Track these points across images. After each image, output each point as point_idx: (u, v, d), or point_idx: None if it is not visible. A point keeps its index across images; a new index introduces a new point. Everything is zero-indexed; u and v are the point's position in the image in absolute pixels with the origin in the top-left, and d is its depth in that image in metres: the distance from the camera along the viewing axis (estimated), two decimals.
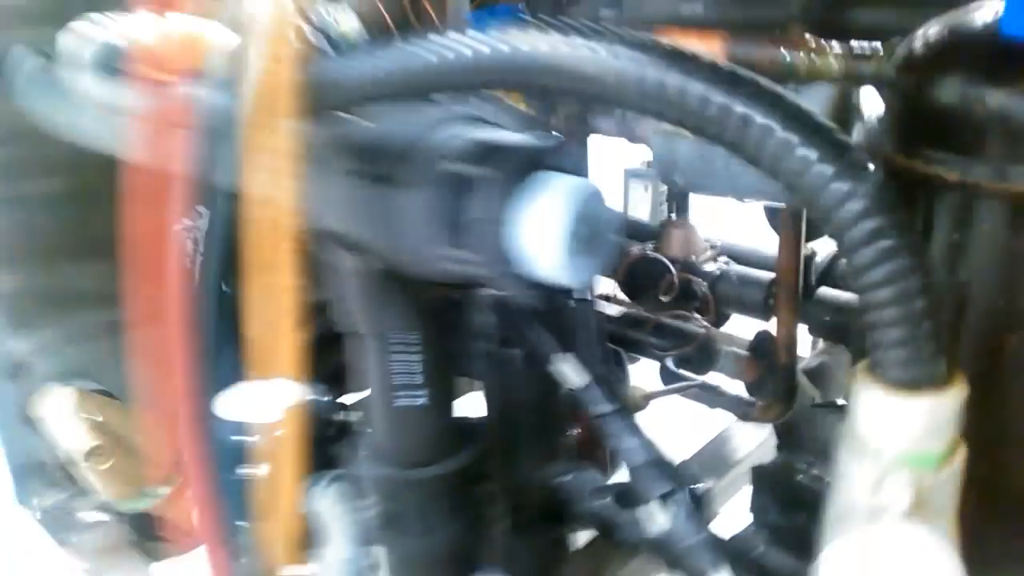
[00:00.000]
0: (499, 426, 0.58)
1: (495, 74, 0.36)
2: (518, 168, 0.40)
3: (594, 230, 0.40)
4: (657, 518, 0.51)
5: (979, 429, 0.35)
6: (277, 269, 0.43)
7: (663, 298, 1.00)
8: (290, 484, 0.51)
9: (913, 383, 0.32)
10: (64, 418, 0.84)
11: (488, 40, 0.35)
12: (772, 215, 0.92)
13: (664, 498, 0.51)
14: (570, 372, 0.53)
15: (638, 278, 1.05)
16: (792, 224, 0.85)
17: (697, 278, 1.05)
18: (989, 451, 0.36)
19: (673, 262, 1.04)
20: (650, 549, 0.57)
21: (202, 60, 0.59)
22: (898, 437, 0.33)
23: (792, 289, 0.92)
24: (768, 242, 1.01)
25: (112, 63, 0.58)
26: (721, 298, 1.05)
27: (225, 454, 0.64)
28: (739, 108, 0.32)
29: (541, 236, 0.39)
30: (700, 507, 0.50)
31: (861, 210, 0.31)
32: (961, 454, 0.34)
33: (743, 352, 0.98)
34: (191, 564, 1.01)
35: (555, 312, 0.53)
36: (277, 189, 0.41)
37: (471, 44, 0.34)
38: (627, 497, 0.60)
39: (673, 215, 1.11)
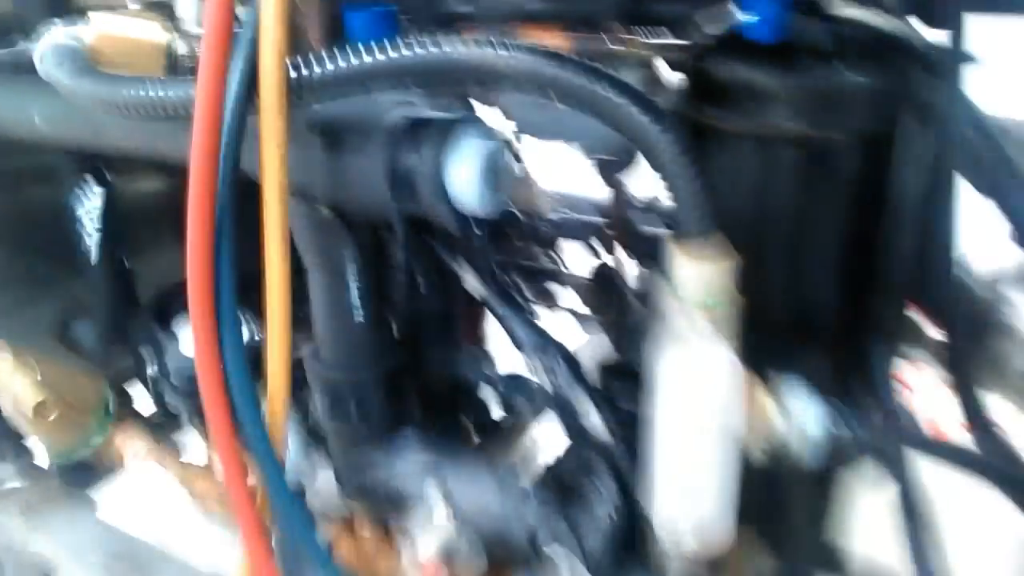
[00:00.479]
0: (417, 330, 0.76)
1: (429, 71, 0.53)
2: (444, 133, 0.58)
3: (499, 174, 0.59)
4: (543, 377, 0.71)
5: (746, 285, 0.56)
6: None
7: (518, 243, 1.21)
8: None
9: (702, 255, 0.53)
10: (6, 377, 0.93)
11: (427, 44, 0.53)
12: (603, 168, 1.14)
13: (549, 369, 0.71)
14: (473, 283, 0.72)
15: (494, 228, 1.25)
16: (618, 164, 1.08)
17: (543, 225, 1.26)
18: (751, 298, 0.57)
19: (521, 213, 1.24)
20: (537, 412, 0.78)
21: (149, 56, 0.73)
22: (697, 288, 0.54)
23: (622, 228, 1.16)
24: (594, 191, 1.25)
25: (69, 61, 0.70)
26: (563, 241, 1.27)
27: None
28: (592, 85, 0.51)
29: (464, 179, 0.58)
30: (574, 369, 0.70)
31: (667, 134, 0.51)
32: (736, 304, 0.56)
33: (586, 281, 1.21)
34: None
35: (465, 239, 0.72)
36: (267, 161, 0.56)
37: (421, 47, 0.52)
38: (518, 379, 0.81)
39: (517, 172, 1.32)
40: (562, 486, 0.74)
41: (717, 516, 0.59)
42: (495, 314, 0.73)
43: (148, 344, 0.93)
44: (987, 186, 0.66)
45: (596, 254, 1.25)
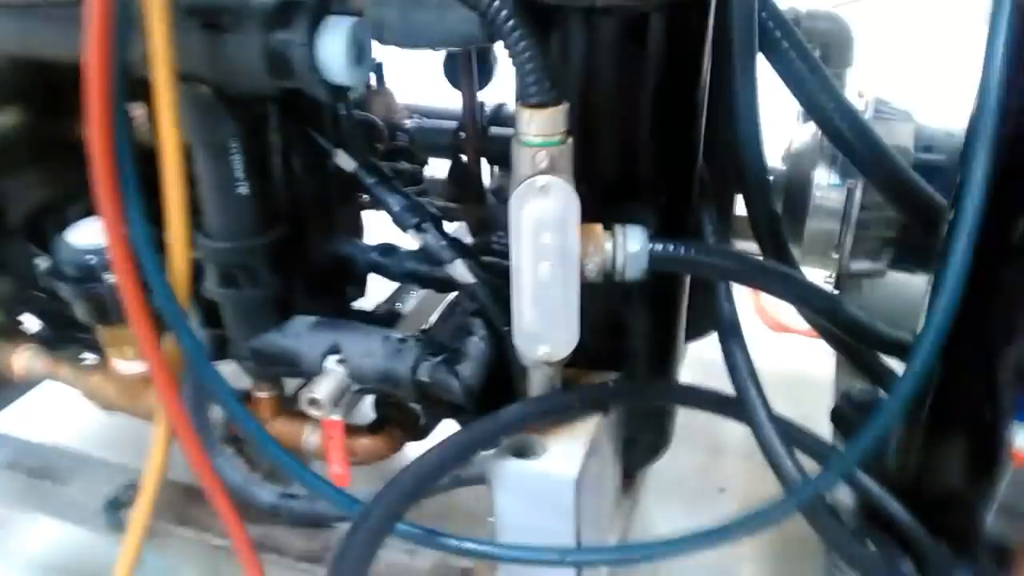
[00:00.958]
0: (296, 206, 0.84)
1: None
2: (313, 12, 0.67)
3: (362, 48, 0.68)
4: (416, 240, 0.82)
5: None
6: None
7: (379, 146, 1.30)
8: None
9: (539, 102, 0.65)
10: None
11: None
12: (450, 72, 1.23)
13: (417, 228, 0.81)
14: (344, 159, 0.82)
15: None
16: (468, 74, 1.19)
17: (401, 132, 1.36)
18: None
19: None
20: (413, 276, 0.89)
21: None
22: (536, 130, 0.66)
23: (473, 129, 1.27)
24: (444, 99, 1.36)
25: None
26: (420, 146, 1.37)
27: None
28: None
29: (333, 52, 0.67)
30: (440, 227, 0.82)
31: (506, 12, 0.62)
32: (568, 144, 0.68)
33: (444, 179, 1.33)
34: None
35: (334, 121, 0.81)
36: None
37: None
38: (390, 248, 0.91)
39: (374, 84, 1.40)
40: (439, 336, 0.86)
41: (565, 328, 0.72)
42: (365, 186, 0.83)
43: (29, 256, 0.97)
44: (783, 70, 0.80)
45: (453, 157, 1.36)
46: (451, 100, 1.33)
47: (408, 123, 1.39)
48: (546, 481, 0.75)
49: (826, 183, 1.15)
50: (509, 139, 1.33)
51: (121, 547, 0.88)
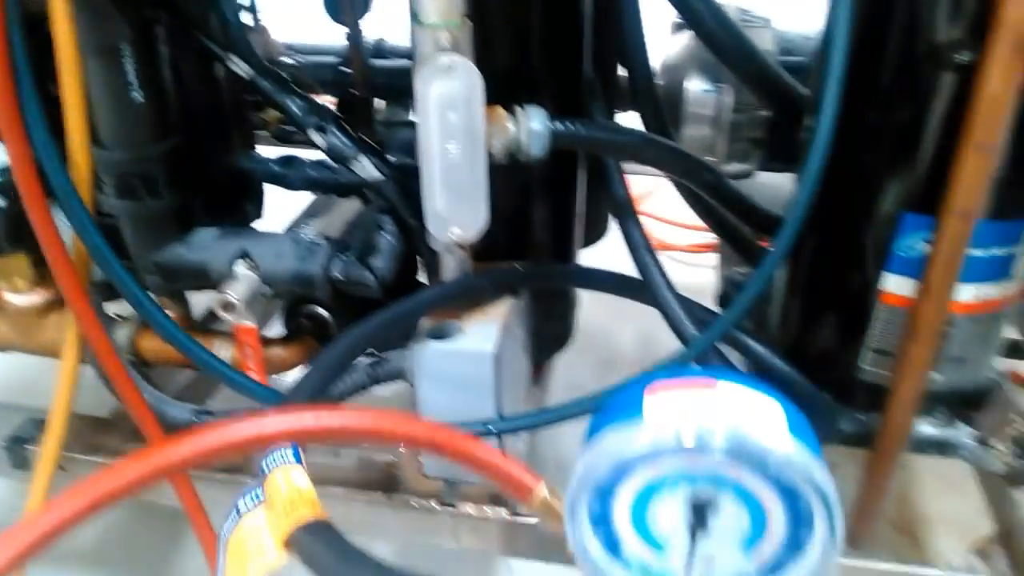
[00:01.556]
0: (190, 116, 0.84)
1: None
2: None
3: None
4: (319, 140, 0.83)
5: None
6: None
7: None
8: None
9: None
10: None
11: None
12: (331, 5, 1.23)
13: (319, 128, 0.82)
14: (238, 64, 0.82)
15: None
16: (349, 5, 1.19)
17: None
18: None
19: None
20: (314, 184, 0.90)
21: None
22: (438, 10, 0.68)
23: (360, 61, 1.27)
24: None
25: None
26: (303, 83, 1.36)
27: None
28: None
29: None
30: (342, 127, 0.83)
31: None
32: (467, 25, 0.71)
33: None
34: None
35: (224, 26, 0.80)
36: None
37: None
38: (289, 159, 0.91)
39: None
40: (349, 236, 0.87)
41: (475, 208, 0.75)
42: (262, 90, 0.83)
43: None
44: None
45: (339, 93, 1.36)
46: (324, 36, 1.34)
47: (288, 60, 1.38)
48: (466, 358, 0.78)
49: (698, 90, 1.22)
50: (395, 71, 1.35)
51: (33, 482, 0.86)
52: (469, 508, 0.83)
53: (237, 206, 0.94)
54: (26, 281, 0.90)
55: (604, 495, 0.34)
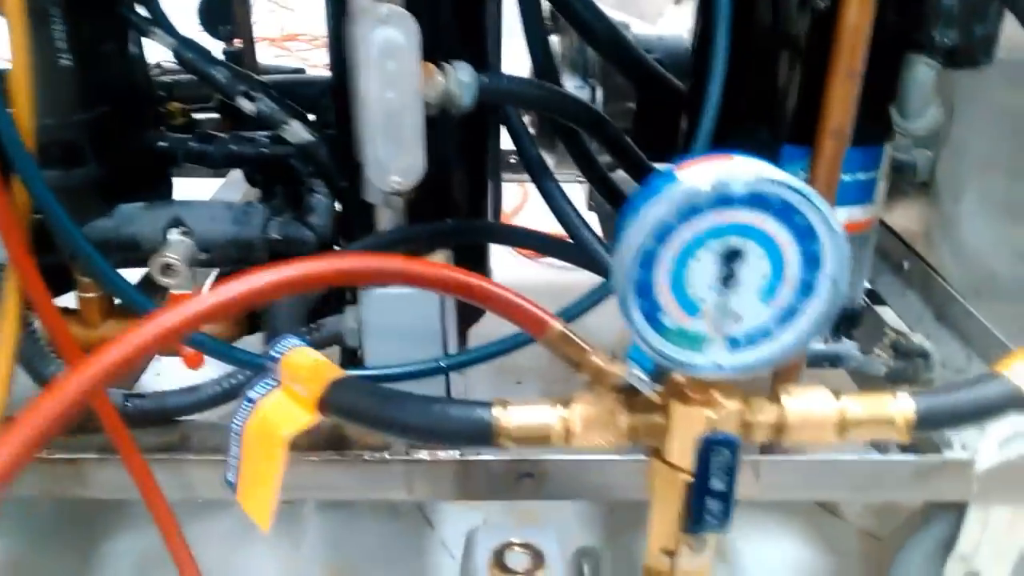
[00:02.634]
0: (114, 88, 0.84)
1: None
2: None
3: None
4: (247, 107, 0.85)
5: None
6: None
7: None
8: None
9: None
10: None
11: None
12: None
13: (247, 95, 0.85)
14: (162, 36, 0.83)
15: None
16: None
17: None
18: None
19: None
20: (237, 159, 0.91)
21: None
22: None
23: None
24: None
25: None
26: None
27: None
28: None
29: None
30: (269, 91, 0.85)
31: None
32: None
33: None
34: None
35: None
36: None
37: None
38: (208, 135, 0.92)
39: None
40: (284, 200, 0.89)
41: (412, 155, 0.80)
42: (186, 61, 0.85)
43: None
44: None
45: None
46: None
47: None
48: (413, 301, 0.82)
49: (571, 86, 1.34)
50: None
51: None
52: (423, 454, 0.86)
53: (156, 187, 0.93)
54: None
55: (647, 263, 0.40)
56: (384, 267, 0.45)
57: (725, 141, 0.96)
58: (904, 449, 0.92)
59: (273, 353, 0.54)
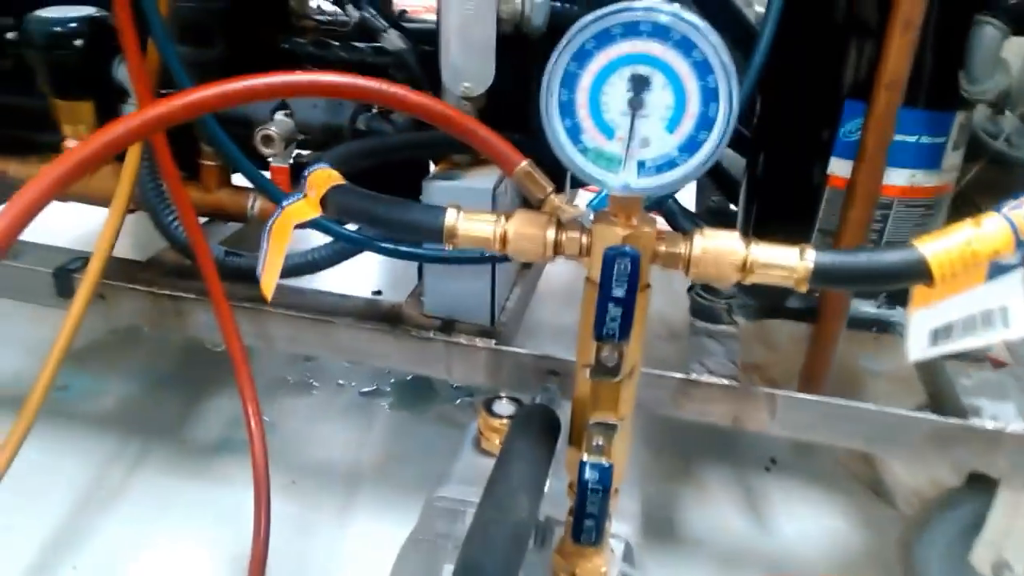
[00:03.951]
0: None
1: None
2: None
3: None
4: (353, 14, 0.97)
5: None
6: None
7: None
8: None
9: None
10: None
11: None
12: None
13: (355, 3, 0.97)
14: None
15: None
16: None
17: None
18: None
19: None
20: (348, 65, 1.04)
21: None
22: None
23: None
24: None
25: None
26: None
27: None
28: None
29: None
30: (376, 8, 0.98)
31: None
32: None
33: None
34: None
35: None
36: None
37: None
38: (322, 42, 1.06)
39: None
40: None
41: (483, 63, 0.89)
42: None
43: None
44: None
45: None
46: None
47: None
48: (469, 193, 0.91)
49: None
50: None
51: (72, 304, 0.98)
52: (461, 339, 0.95)
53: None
54: (89, 128, 1.03)
55: (570, 81, 0.47)
56: (361, 85, 0.55)
57: (789, 97, 1.00)
58: (925, 409, 0.92)
59: (306, 173, 0.65)
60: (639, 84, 0.47)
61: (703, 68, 0.46)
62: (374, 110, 0.96)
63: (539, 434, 0.59)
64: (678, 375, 0.90)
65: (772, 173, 1.05)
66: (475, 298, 0.95)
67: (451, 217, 0.54)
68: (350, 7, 0.96)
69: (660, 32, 0.45)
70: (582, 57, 0.47)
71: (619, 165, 0.49)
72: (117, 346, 1.43)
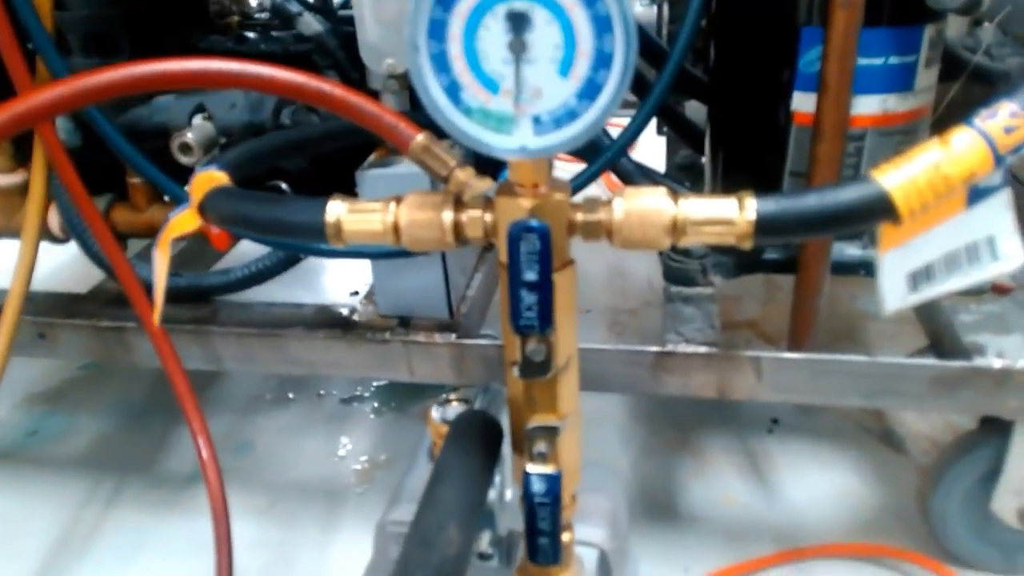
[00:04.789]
0: None
1: None
2: None
3: None
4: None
5: None
6: None
7: None
8: None
9: None
10: None
11: None
12: None
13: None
14: None
15: None
16: None
17: None
18: None
19: None
20: (268, 57, 0.97)
21: None
22: None
23: None
24: None
25: None
26: None
27: None
28: None
29: None
30: None
31: None
32: None
33: None
34: None
35: None
36: None
37: None
38: (242, 37, 0.99)
39: None
40: None
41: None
42: None
43: None
44: None
45: None
46: None
47: None
48: (408, 178, 0.84)
49: (639, 4, 1.32)
50: None
51: None
52: (419, 336, 0.88)
53: None
54: (7, 159, 0.97)
55: (437, 30, 0.40)
56: (226, 70, 0.48)
57: (742, 32, 0.92)
58: (926, 353, 0.85)
59: (191, 177, 0.58)
60: (518, 23, 0.39)
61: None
62: (296, 106, 0.89)
63: (476, 447, 0.52)
64: (653, 348, 0.83)
65: (734, 118, 0.97)
66: (429, 291, 0.88)
67: (332, 212, 0.47)
68: None
69: None
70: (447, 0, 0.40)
71: (511, 124, 0.42)
72: (87, 382, 1.38)
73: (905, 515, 0.98)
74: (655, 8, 1.29)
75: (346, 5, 1.44)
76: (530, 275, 0.43)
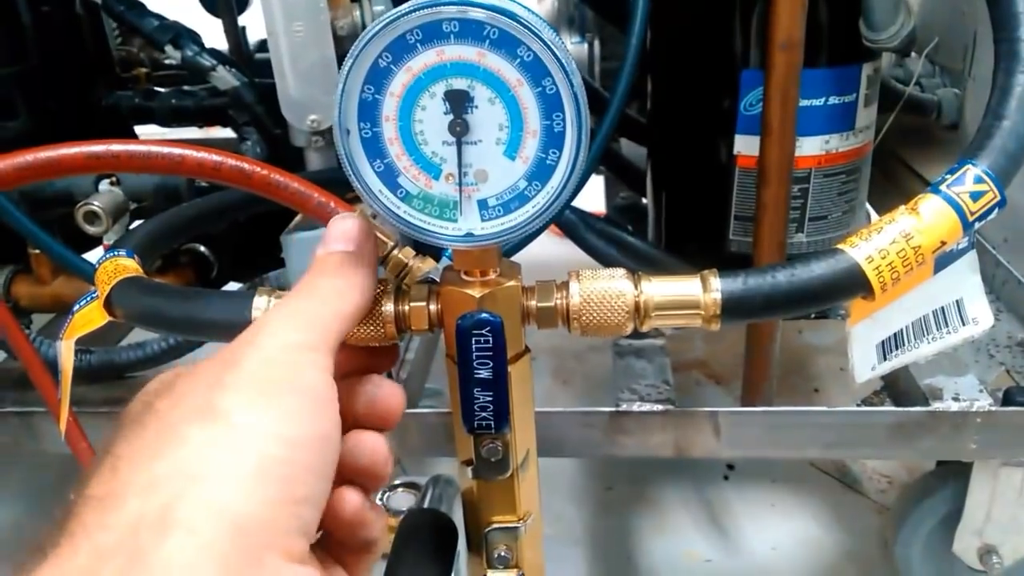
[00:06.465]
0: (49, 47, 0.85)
1: None
2: None
3: None
4: (174, 55, 0.84)
5: None
6: None
7: None
8: None
9: None
10: None
11: None
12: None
13: (174, 43, 0.84)
14: None
15: None
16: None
17: None
18: None
19: None
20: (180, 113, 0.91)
21: None
22: None
23: (240, 56, 1.30)
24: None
25: None
26: None
27: None
28: None
29: None
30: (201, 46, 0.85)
31: None
32: None
33: None
34: None
35: None
36: None
37: None
38: (150, 91, 0.92)
39: None
40: None
41: (328, 91, 0.77)
42: (116, 14, 0.85)
43: None
44: None
45: None
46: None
47: None
48: None
49: (570, 42, 1.30)
50: None
51: None
52: None
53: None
54: None
55: (369, 111, 0.35)
56: (131, 152, 0.43)
57: (681, 75, 0.90)
58: (882, 395, 0.83)
59: (96, 263, 0.52)
60: (458, 102, 0.35)
61: (535, 69, 0.34)
62: None
63: (426, 553, 0.46)
64: (606, 409, 0.79)
65: (675, 161, 0.95)
66: None
67: (259, 309, 0.42)
68: (169, 47, 0.82)
69: (471, 31, 0.34)
70: (377, 77, 0.35)
71: (455, 210, 0.37)
72: None
73: (867, 560, 0.95)
74: (586, 46, 1.27)
75: (262, 48, 1.39)
76: (483, 372, 0.39)
